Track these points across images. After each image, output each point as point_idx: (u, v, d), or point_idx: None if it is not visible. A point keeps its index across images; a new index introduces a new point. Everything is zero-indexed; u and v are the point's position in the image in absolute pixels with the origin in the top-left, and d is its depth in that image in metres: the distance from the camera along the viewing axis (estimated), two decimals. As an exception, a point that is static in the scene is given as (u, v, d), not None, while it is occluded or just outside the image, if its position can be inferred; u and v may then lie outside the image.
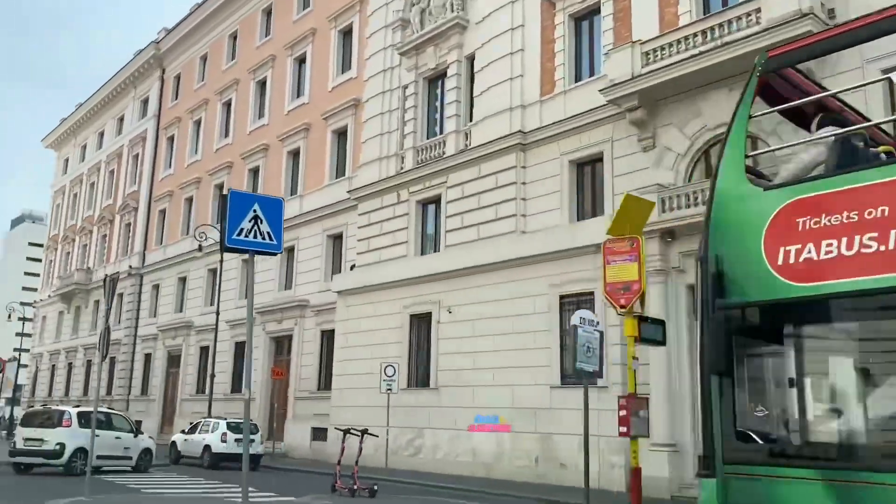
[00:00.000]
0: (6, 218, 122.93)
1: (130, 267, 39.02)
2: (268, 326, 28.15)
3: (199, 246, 27.91)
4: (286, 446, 25.64)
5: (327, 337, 25.42)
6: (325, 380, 25.33)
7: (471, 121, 21.30)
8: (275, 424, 27.04)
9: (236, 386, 29.51)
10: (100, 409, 16.91)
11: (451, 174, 21.25)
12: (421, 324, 21.33)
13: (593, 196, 18.23)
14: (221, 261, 27.91)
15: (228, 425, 20.77)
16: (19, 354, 48.21)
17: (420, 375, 20.62)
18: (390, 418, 19.58)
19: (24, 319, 49.65)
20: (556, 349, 17.21)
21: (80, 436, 15.61)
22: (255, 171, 31.47)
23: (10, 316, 47.40)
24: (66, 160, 52.50)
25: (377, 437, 16.07)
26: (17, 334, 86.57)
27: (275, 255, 7.35)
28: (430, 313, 20.67)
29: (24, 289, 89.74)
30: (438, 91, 23.00)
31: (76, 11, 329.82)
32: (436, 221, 21.99)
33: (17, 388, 55.47)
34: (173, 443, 22.80)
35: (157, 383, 35.10)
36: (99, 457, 15.80)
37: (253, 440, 19.47)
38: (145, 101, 42.13)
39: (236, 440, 20.10)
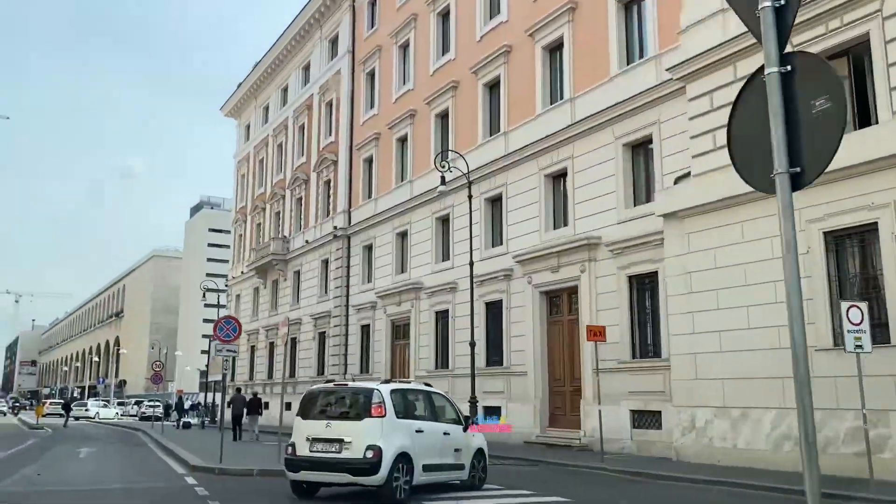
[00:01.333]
0: (185, 207, 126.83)
1: (335, 228, 33.84)
2: (535, 279, 21.36)
3: (442, 178, 21.49)
4: (586, 435, 18.72)
5: (643, 287, 18.22)
6: (643, 344, 18.17)
7: None
8: (566, 406, 20.25)
9: (492, 357, 23.04)
10: (412, 384, 10.54)
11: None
12: (851, 243, 13.49)
13: None
14: (471, 197, 21.44)
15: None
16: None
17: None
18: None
19: (217, 306, 46.71)
20: None
21: (398, 432, 9.31)
22: (492, 87, 24.74)
23: (204, 294, 44.27)
24: (248, 126, 48.86)
25: None
26: (205, 321, 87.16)
27: None
28: (877, 223, 12.74)
29: (207, 275, 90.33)
30: None
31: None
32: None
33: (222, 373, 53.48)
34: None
35: (380, 359, 29.56)
36: (425, 468, 9.45)
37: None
38: (334, 41, 36.77)
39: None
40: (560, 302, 21.15)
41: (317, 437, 9.36)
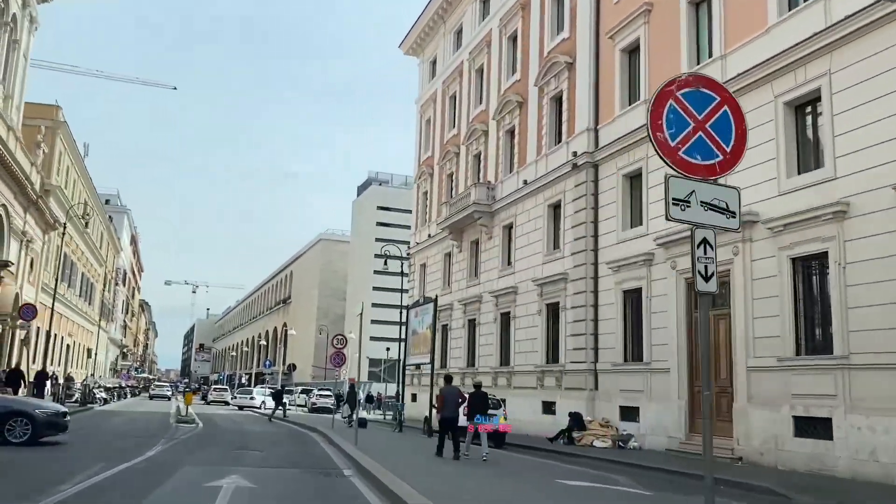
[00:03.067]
0: (353, 185, 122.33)
1: (574, 155, 23.86)
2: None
3: None
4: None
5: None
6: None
7: None
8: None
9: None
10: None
11: None
12: None
13: None
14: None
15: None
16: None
17: None
18: None
19: (402, 273, 38.38)
20: None
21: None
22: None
23: (385, 262, 36.00)
24: (433, 61, 40.11)
25: None
26: (374, 305, 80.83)
27: None
28: None
29: (376, 256, 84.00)
30: None
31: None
32: None
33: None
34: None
35: (668, 340, 19.12)
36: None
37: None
38: None
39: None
40: None
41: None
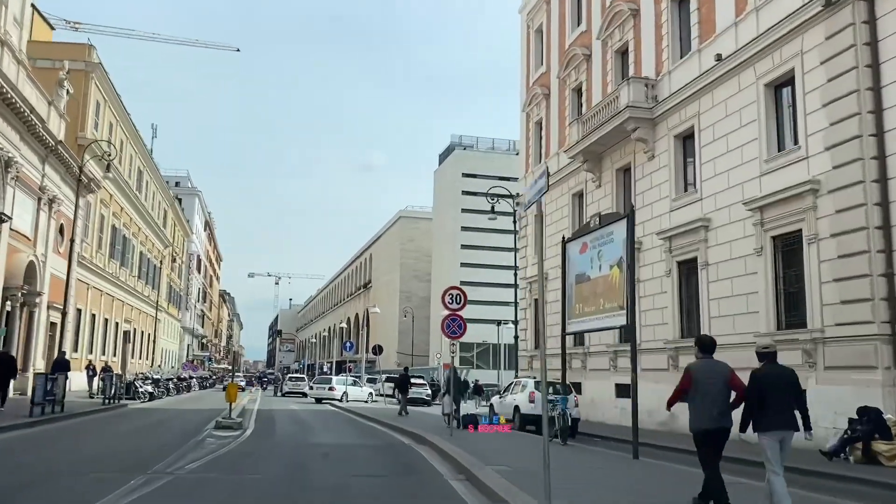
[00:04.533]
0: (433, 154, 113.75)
1: (824, -16, 14.47)
2: None
3: None
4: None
5: None
6: None
7: None
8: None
9: None
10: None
11: None
12: None
13: None
14: None
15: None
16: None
17: None
18: None
19: (513, 231, 29.87)
20: None
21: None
22: None
23: (492, 208, 27.49)
24: (542, -47, 31.08)
25: None
26: (463, 283, 72.52)
27: None
28: None
29: (463, 228, 75.39)
30: None
31: None
32: None
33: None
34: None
35: None
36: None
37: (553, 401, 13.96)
38: None
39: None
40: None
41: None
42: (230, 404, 16.99)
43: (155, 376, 34.33)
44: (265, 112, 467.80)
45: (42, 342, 28.67)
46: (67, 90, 29.89)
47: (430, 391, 38.98)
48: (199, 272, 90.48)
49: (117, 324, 43.55)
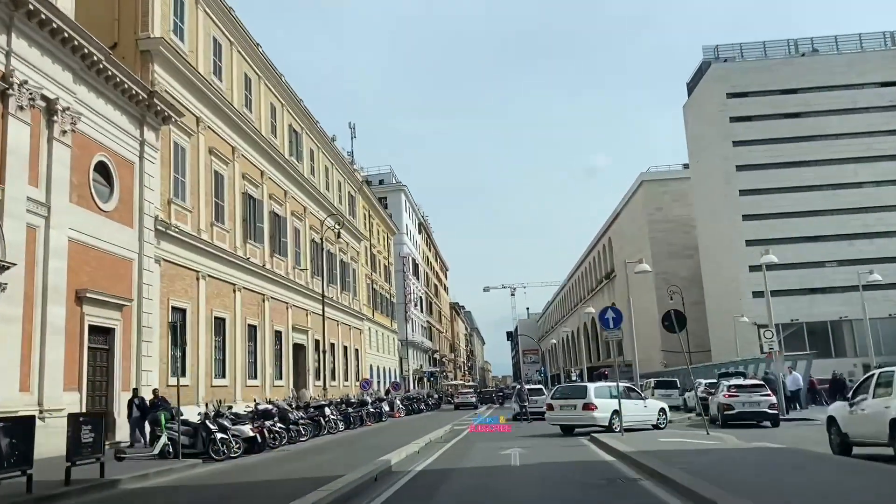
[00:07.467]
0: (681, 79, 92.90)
1: None
2: None
3: None
4: None
5: None
6: None
7: None
8: None
9: None
10: None
11: None
12: None
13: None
14: None
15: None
16: None
17: None
18: None
19: None
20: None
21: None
22: None
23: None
24: None
25: None
26: (748, 243, 52.77)
27: None
28: None
29: (739, 169, 55.39)
30: None
31: None
32: None
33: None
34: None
35: None
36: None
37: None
38: None
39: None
40: None
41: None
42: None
43: (328, 401, 21.08)
44: (487, 146, 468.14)
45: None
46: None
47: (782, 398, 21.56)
48: (417, 277, 79.69)
49: (279, 332, 31.64)
